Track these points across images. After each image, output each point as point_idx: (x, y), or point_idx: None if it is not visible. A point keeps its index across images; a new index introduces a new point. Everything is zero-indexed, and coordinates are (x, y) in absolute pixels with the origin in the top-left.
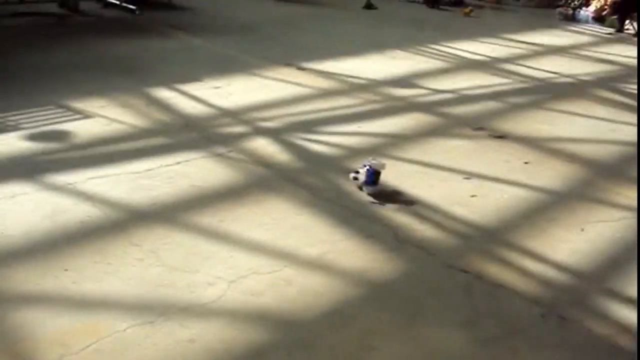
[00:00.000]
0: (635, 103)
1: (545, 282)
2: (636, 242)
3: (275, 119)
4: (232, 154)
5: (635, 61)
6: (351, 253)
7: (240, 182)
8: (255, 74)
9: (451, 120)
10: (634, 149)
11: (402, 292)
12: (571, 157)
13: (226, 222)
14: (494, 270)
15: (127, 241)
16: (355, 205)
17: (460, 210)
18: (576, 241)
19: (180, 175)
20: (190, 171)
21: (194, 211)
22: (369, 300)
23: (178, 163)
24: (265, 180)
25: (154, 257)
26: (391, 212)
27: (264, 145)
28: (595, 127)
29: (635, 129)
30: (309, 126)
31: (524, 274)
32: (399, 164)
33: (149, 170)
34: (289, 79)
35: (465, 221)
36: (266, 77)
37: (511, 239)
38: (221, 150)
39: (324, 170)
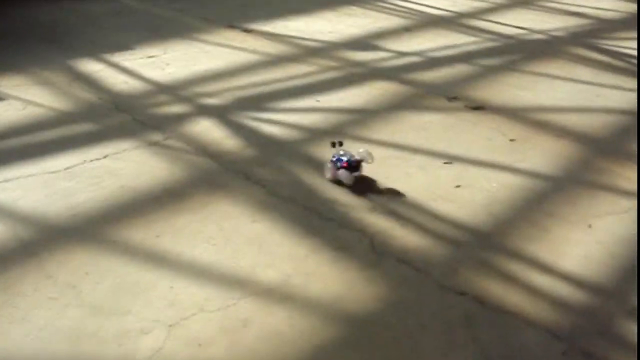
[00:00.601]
0: (617, 62)
1: (559, 304)
2: None
3: (220, 94)
4: (170, 142)
5: (607, 13)
6: (322, 274)
7: (181, 179)
8: (195, 39)
9: (421, 88)
10: (626, 119)
11: (390, 328)
12: (560, 131)
13: (164, 238)
14: (497, 290)
15: (39, 272)
16: (321, 205)
17: (445, 206)
18: (585, 243)
19: (108, 174)
20: (121, 167)
21: (125, 223)
22: (349, 344)
23: (105, 157)
24: (211, 176)
25: (73, 294)
26: (365, 213)
27: (208, 129)
28: (579, 93)
29: (622, 94)
30: (260, 102)
31: (532, 293)
32: (368, 147)
33: (70, 168)
34: (234, 43)
35: (453, 221)
36: (207, 42)
37: (510, 243)
38: (157, 137)
39: (281, 160)
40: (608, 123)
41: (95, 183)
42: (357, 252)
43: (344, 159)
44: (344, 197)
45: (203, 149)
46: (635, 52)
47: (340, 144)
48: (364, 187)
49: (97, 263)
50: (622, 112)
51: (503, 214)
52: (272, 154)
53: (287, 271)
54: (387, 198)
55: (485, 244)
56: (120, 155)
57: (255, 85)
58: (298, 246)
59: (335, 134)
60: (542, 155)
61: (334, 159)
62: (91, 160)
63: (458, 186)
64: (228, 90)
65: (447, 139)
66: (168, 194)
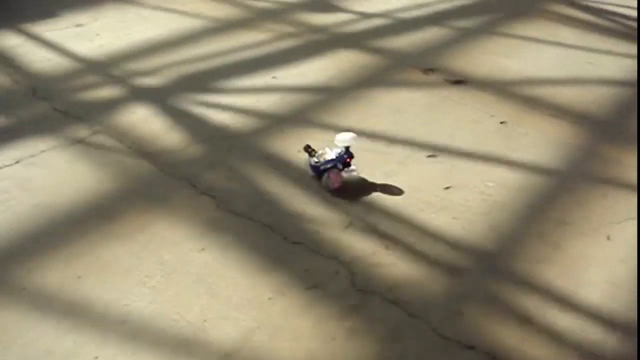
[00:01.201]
0: (602, 21)
1: (590, 354)
2: None
3: (159, 72)
4: (98, 138)
5: None
6: (292, 327)
7: (111, 191)
8: (130, 2)
9: (392, 58)
10: (625, 92)
11: None
12: (554, 110)
13: (88, 279)
14: (511, 339)
15: None
16: (286, 222)
17: (436, 218)
18: (607, 262)
19: (20, 187)
20: (35, 177)
21: (38, 261)
22: None
23: (17, 162)
24: (149, 185)
25: None
26: (340, 231)
27: (144, 119)
28: (568, 59)
29: (614, 60)
30: (207, 81)
31: (554, 341)
32: (334, 135)
33: None
34: (175, 6)
35: (448, 239)
36: (144, 5)
37: (519, 267)
38: (82, 132)
39: (234, 159)
40: (606, 97)
41: (3, 202)
42: (334, 290)
43: (335, 155)
44: (312, 210)
45: (139, 147)
46: (623, 11)
47: (309, 150)
48: (335, 190)
49: (3, 321)
50: (619, 82)
51: (505, 225)
52: (222, 151)
53: (248, 323)
54: (365, 208)
55: (490, 270)
56: (36, 159)
57: (200, 58)
58: (260, 285)
59: (297, 121)
60: (538, 141)
61: (330, 164)
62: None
63: (448, 188)
64: (168, 66)
65: (427, 124)
66: (94, 213)
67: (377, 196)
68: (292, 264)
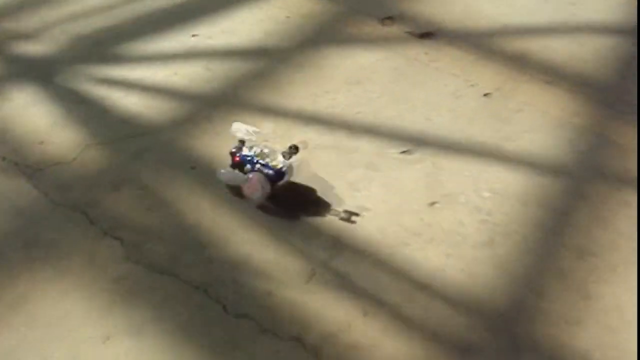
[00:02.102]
0: None
1: None
2: None
3: (41, 34)
4: None
5: None
6: None
7: None
8: None
9: (339, 4)
10: (621, 44)
11: None
12: (546, 73)
13: None
14: None
15: None
16: (223, 279)
17: (424, 256)
18: None
19: None
20: None
21: None
22: None
23: None
24: (29, 220)
25: None
26: (300, 290)
27: (22, 109)
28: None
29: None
30: (105, 44)
31: None
32: (280, 122)
33: None
34: None
35: (446, 292)
36: None
37: (546, 336)
38: None
39: (146, 171)
40: (600, 52)
41: None
42: None
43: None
44: (259, 253)
45: (14, 156)
46: None
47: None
48: (285, 212)
49: None
50: (611, 30)
51: (515, 263)
52: (130, 157)
53: None
54: (330, 245)
55: (509, 347)
56: None
57: (94, 11)
58: None
59: (228, 103)
60: (535, 122)
61: (252, 162)
62: None
63: (433, 203)
64: (55, 24)
65: (396, 101)
66: None
67: (343, 226)
68: (237, 353)
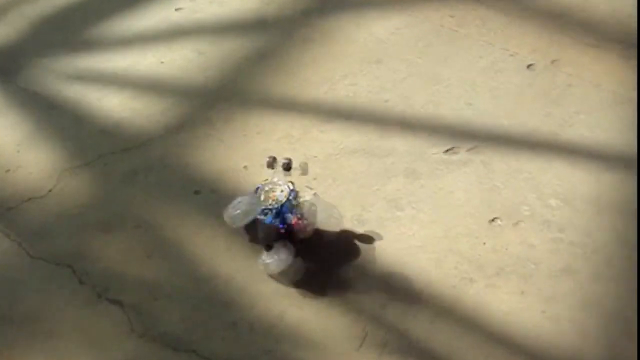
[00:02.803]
0: None
1: None
2: None
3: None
4: None
5: None
6: None
7: None
8: None
9: None
10: None
11: None
12: (589, 33)
13: None
14: None
15: None
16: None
17: (494, 298)
18: None
19: None
20: None
21: None
22: None
23: None
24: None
25: None
26: None
27: None
28: None
29: None
30: (75, 28)
31: None
32: (295, 121)
33: None
34: None
35: (527, 348)
36: None
37: None
38: None
39: (141, 199)
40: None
41: None
42: None
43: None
44: (292, 309)
45: None
46: None
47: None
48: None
49: None
50: None
51: (605, 297)
52: (119, 184)
53: None
54: (377, 291)
55: None
56: None
57: None
58: None
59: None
60: (591, 100)
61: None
62: None
63: (493, 220)
64: (10, 5)
65: (426, 82)
66: None
67: (391, 263)
68: None
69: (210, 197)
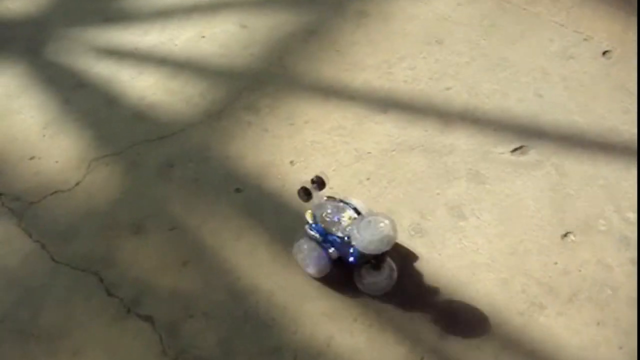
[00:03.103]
0: None
1: None
2: None
3: None
4: None
5: None
6: None
7: None
8: None
9: None
10: None
11: None
12: None
13: None
14: None
15: None
16: None
17: (566, 328)
18: None
19: None
20: None
21: None
22: None
23: None
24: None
25: None
26: None
27: (1, 103)
28: None
29: None
30: None
31: None
32: (347, 109)
33: None
34: None
35: None
36: None
37: None
38: None
39: (178, 200)
40: None
41: None
42: None
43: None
44: (341, 334)
45: None
46: None
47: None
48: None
49: None
50: None
51: None
52: (153, 177)
53: None
54: (434, 316)
55: None
56: None
57: None
58: None
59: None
60: None
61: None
62: None
63: (566, 235)
64: None
65: (491, 67)
66: None
67: (452, 282)
68: None
69: (252, 196)
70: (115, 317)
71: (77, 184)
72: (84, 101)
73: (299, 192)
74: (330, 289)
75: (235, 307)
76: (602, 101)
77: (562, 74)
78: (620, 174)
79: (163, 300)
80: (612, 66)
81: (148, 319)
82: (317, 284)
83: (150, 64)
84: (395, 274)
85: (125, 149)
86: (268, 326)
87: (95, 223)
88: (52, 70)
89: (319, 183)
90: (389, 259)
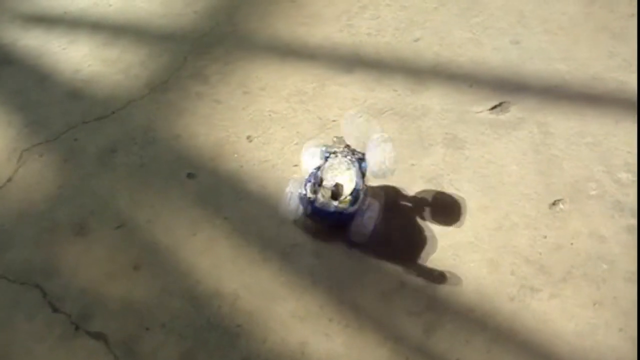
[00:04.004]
0: None
1: None
2: None
3: None
4: None
5: None
6: None
7: None
8: None
9: None
10: None
11: None
12: None
13: None
14: None
15: None
16: None
17: (561, 312)
18: None
19: None
20: None
21: None
22: None
23: None
24: None
25: None
26: None
27: None
28: None
29: None
30: None
31: None
32: (306, 73)
33: None
34: None
35: None
36: None
37: None
38: None
39: (126, 190)
40: None
41: None
42: None
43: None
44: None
45: None
46: None
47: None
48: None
49: None
50: None
51: None
52: (94, 166)
53: None
54: (417, 307)
55: None
56: None
57: None
58: None
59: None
60: None
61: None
62: None
63: (555, 203)
64: None
65: (458, 11)
66: None
67: (429, 265)
68: None
69: (206, 181)
70: (62, 337)
71: (9, 180)
72: (11, 80)
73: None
74: (299, 285)
75: (196, 315)
76: (584, 45)
77: (541, 16)
78: (608, 129)
79: (115, 313)
80: (593, 3)
81: (100, 336)
82: (284, 280)
83: (83, 30)
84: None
85: (61, 134)
86: (234, 335)
87: (32, 226)
88: None
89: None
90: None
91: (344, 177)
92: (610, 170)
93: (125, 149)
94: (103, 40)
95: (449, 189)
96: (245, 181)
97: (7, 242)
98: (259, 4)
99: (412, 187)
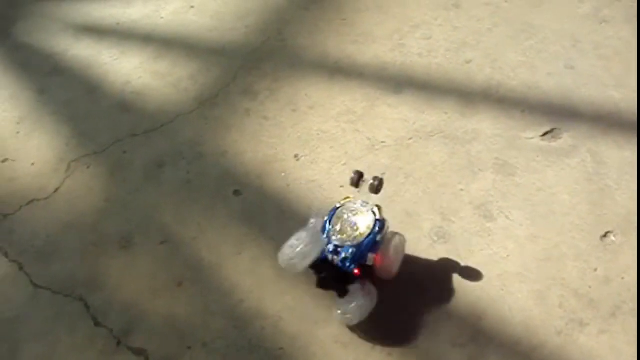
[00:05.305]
0: None
1: None
2: None
3: None
4: None
5: None
6: None
7: None
8: None
9: None
10: None
11: None
12: None
13: None
14: None
15: None
16: None
17: (610, 349)
18: None
19: None
20: None
21: None
22: None
23: None
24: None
25: None
26: None
27: None
28: None
29: None
30: None
31: None
32: (355, 91)
33: None
34: None
35: None
36: None
37: None
38: None
39: (173, 205)
40: None
41: None
42: None
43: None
44: None
45: None
46: None
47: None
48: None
49: None
50: None
51: None
52: (141, 180)
53: None
54: (462, 338)
55: None
56: None
57: None
58: None
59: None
60: None
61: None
62: None
63: (606, 235)
64: None
65: (513, 33)
66: None
67: (474, 295)
68: None
69: (253, 199)
70: (103, 351)
71: (56, 190)
72: (61, 90)
73: (352, 177)
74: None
75: (238, 336)
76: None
77: (595, 41)
78: None
79: (157, 329)
80: None
81: (141, 352)
82: (328, 304)
83: (134, 42)
84: (368, 309)
85: (109, 146)
86: (276, 358)
87: (78, 237)
88: (24, 53)
89: (378, 185)
90: (362, 290)
91: (364, 217)
92: None
93: (172, 163)
94: (154, 53)
95: (499, 217)
96: (291, 200)
97: (53, 254)
98: (309, 21)
99: (459, 213)
